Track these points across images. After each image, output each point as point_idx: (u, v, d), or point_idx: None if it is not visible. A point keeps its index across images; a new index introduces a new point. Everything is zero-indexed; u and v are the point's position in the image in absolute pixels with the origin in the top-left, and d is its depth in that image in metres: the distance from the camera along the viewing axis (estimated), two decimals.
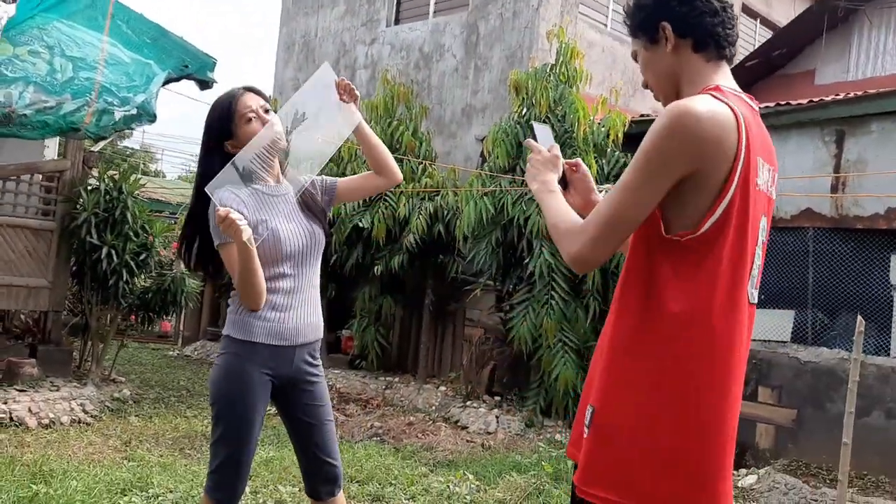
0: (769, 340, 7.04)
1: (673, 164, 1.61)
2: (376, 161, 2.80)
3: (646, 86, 1.93)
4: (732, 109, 1.63)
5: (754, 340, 6.96)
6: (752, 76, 10.57)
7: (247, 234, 2.32)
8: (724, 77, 1.80)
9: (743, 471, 6.44)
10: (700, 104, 1.61)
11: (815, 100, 7.18)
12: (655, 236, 1.67)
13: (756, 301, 1.76)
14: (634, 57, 1.92)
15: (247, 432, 2.57)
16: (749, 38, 13.61)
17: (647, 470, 1.61)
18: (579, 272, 1.83)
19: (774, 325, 7.07)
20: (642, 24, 1.83)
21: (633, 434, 1.63)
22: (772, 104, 7.30)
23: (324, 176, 2.84)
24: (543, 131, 2.06)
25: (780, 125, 7.13)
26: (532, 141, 2.01)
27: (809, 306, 6.99)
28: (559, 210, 1.81)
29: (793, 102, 7.25)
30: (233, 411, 2.56)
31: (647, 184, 1.62)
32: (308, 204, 2.70)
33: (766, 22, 13.82)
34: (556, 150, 1.99)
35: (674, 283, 1.63)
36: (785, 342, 7.00)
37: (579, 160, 2.12)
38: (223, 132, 2.59)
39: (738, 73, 10.56)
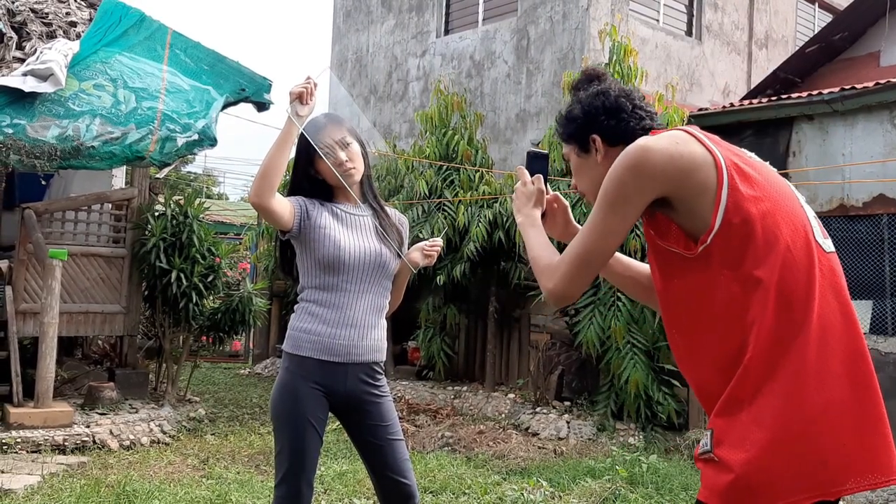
0: None
1: (633, 196, 1.71)
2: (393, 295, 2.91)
3: (576, 189, 2.02)
4: (684, 130, 1.77)
5: None
6: (812, 62, 10.29)
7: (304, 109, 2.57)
8: None
9: None
10: (648, 139, 1.73)
11: (882, 82, 6.94)
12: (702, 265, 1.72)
13: (832, 249, 1.76)
14: (566, 158, 2.00)
15: (303, 445, 2.58)
16: (808, 23, 13.27)
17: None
18: (556, 306, 1.96)
19: None
20: (573, 135, 1.93)
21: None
22: (836, 89, 7.09)
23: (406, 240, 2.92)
24: (538, 161, 2.09)
25: (846, 110, 6.92)
26: (523, 169, 2.09)
27: (888, 296, 6.74)
28: (539, 245, 1.93)
29: (858, 86, 7.03)
30: (288, 425, 2.60)
31: (610, 216, 1.73)
32: (385, 229, 2.75)
33: (824, 6, 13.46)
34: (540, 183, 2.06)
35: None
36: (864, 334, 6.76)
37: (558, 195, 2.15)
38: (309, 160, 2.72)
39: (798, 60, 10.31)
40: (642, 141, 1.73)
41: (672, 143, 1.71)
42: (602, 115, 1.88)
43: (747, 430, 1.62)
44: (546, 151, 2.13)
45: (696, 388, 1.81)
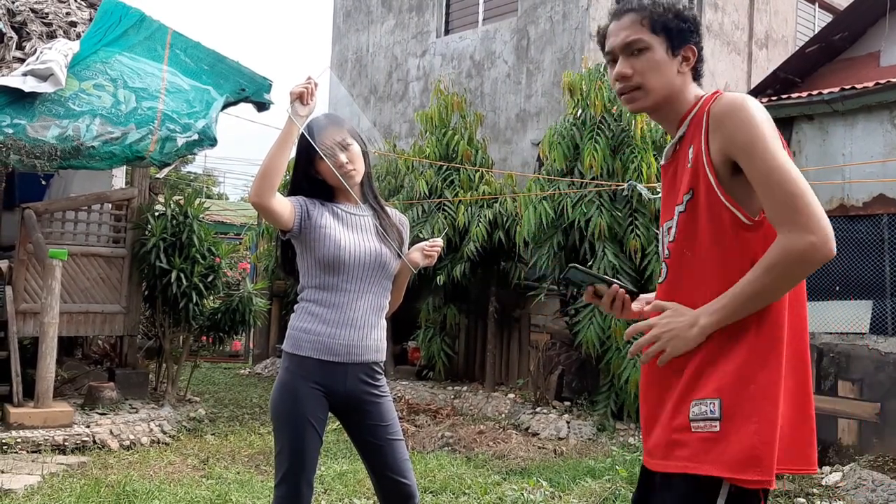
0: (847, 333, 6.81)
1: (776, 136, 1.73)
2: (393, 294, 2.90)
3: (628, 77, 1.90)
4: None
5: (829, 333, 6.76)
6: (812, 62, 10.28)
7: (303, 109, 2.58)
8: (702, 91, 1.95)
9: (827, 468, 6.23)
10: (743, 95, 1.77)
11: (882, 82, 6.94)
12: (733, 229, 1.74)
13: None
14: (630, 46, 1.91)
15: (303, 445, 2.59)
16: (808, 23, 13.27)
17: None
18: (830, 257, 1.66)
19: (851, 316, 6.84)
20: (672, 32, 1.87)
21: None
22: (836, 89, 7.08)
23: (406, 242, 2.91)
24: (579, 273, 2.01)
25: (846, 110, 6.91)
26: (602, 288, 2.02)
27: (888, 296, 6.74)
28: (741, 293, 1.70)
29: (858, 86, 7.03)
30: (288, 425, 2.60)
31: (785, 154, 1.71)
32: (385, 229, 2.76)
33: (824, 6, 13.46)
34: (604, 288, 2.02)
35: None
36: (863, 334, 6.76)
37: (616, 290, 2.08)
38: (309, 161, 2.73)
39: (798, 60, 10.30)
40: (743, 95, 1.76)
41: None
42: (698, 35, 1.91)
43: (757, 404, 1.67)
44: (575, 266, 2.05)
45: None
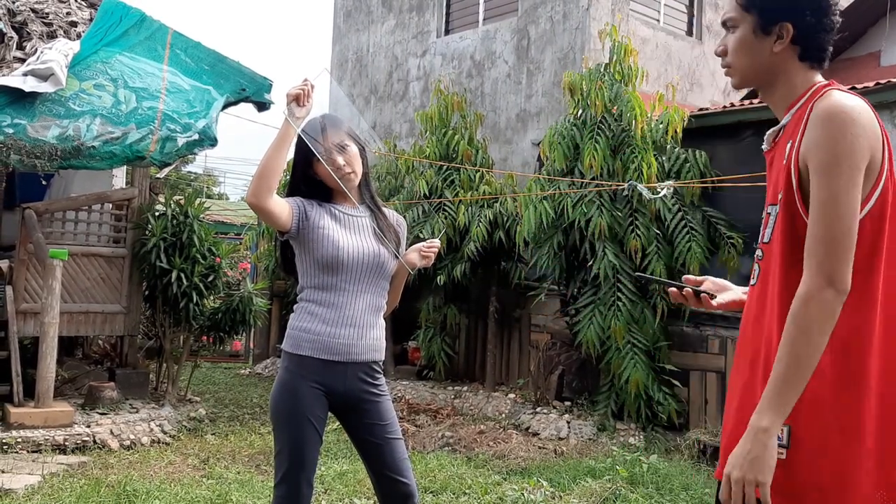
0: None
1: (861, 159, 1.60)
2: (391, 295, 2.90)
3: (723, 54, 1.83)
4: (864, 100, 1.68)
5: None
6: None
7: (299, 111, 2.59)
8: (820, 79, 1.79)
9: None
10: (848, 99, 1.64)
11: (882, 82, 6.94)
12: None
13: None
14: (726, 24, 1.82)
15: (303, 444, 2.60)
16: None
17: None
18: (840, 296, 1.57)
19: None
20: (764, 11, 1.75)
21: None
22: None
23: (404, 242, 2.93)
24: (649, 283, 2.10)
25: None
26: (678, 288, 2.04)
27: None
28: (782, 369, 1.57)
29: (858, 86, 7.03)
30: (287, 424, 2.61)
31: (852, 188, 1.58)
32: (382, 230, 2.77)
33: None
34: (686, 289, 2.03)
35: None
36: None
37: (698, 279, 2.09)
38: (307, 163, 2.74)
39: None
40: (849, 99, 1.63)
41: (866, 105, 1.66)
42: (807, 8, 1.72)
43: (829, 435, 1.57)
44: (647, 275, 2.07)
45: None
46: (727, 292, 2.03)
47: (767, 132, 1.85)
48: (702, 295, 2.02)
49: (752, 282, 1.81)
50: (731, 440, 1.67)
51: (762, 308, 1.72)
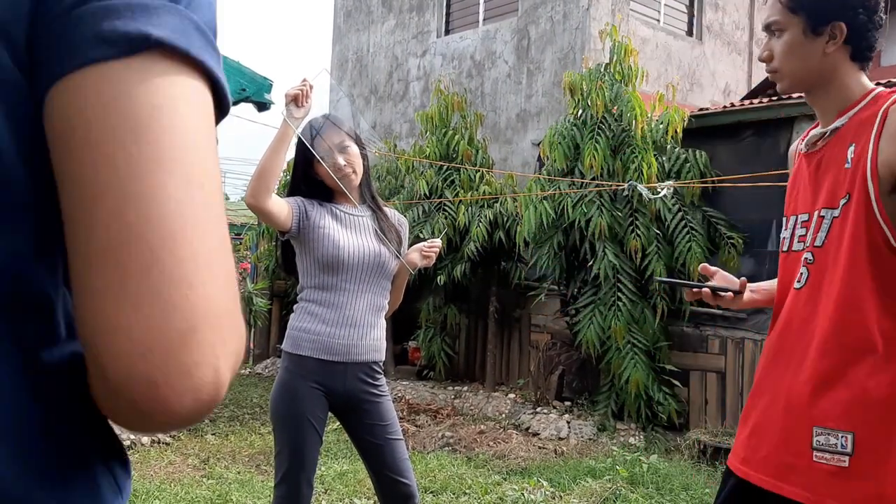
0: None
1: None
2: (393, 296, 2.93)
3: (769, 59, 1.80)
4: None
5: None
6: None
7: (297, 112, 2.60)
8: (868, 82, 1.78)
9: None
10: None
11: (882, 82, 6.94)
12: (888, 250, 1.63)
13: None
14: (770, 28, 1.78)
15: (303, 444, 2.60)
16: None
17: None
18: None
19: None
20: (814, 12, 1.71)
21: None
22: None
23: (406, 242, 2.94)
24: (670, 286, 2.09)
25: None
26: (709, 289, 1.98)
27: None
28: None
29: None
30: (287, 424, 2.61)
31: None
32: (383, 229, 2.77)
33: None
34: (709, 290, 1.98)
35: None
36: None
37: (712, 270, 2.09)
38: (307, 163, 2.75)
39: None
40: None
41: None
42: (860, 6, 1.68)
43: (893, 441, 1.55)
44: (666, 279, 2.04)
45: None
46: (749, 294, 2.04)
47: (810, 133, 1.82)
48: (725, 294, 1.99)
49: (796, 285, 1.78)
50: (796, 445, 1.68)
51: (813, 312, 1.70)
